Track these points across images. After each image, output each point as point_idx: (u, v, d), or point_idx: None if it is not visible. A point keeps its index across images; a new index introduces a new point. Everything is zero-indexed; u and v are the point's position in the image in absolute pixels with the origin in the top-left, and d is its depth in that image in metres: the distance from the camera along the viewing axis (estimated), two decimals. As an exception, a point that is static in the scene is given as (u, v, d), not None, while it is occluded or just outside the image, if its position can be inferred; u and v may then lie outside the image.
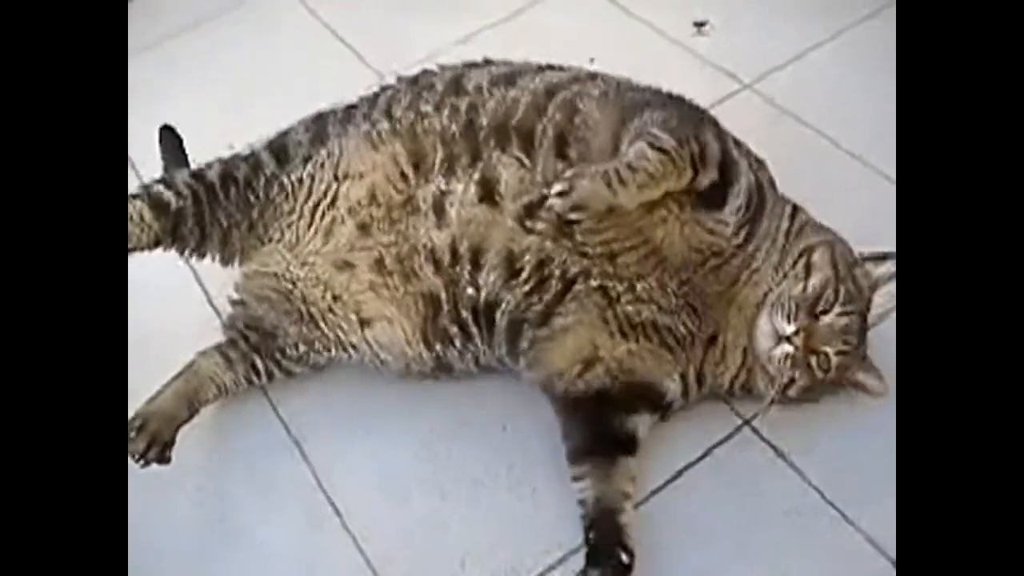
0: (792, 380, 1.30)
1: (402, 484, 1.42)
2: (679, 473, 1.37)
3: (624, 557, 1.24)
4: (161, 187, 1.46)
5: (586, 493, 1.31)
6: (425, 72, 1.53)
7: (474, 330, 1.39)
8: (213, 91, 2.04)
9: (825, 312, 1.29)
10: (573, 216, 1.26)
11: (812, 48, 1.96)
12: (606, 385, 1.35)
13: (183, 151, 1.71)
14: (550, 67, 1.48)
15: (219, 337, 1.54)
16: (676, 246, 1.30)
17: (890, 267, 1.34)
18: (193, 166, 1.57)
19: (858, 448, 1.36)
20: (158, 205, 1.44)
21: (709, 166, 1.29)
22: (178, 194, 1.45)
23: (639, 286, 1.32)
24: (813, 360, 1.29)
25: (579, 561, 1.29)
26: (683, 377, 1.36)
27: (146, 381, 1.44)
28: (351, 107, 1.54)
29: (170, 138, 1.73)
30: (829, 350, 1.29)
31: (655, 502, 1.36)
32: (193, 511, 1.42)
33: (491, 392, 1.48)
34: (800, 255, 1.32)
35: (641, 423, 1.35)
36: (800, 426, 1.38)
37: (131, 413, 1.38)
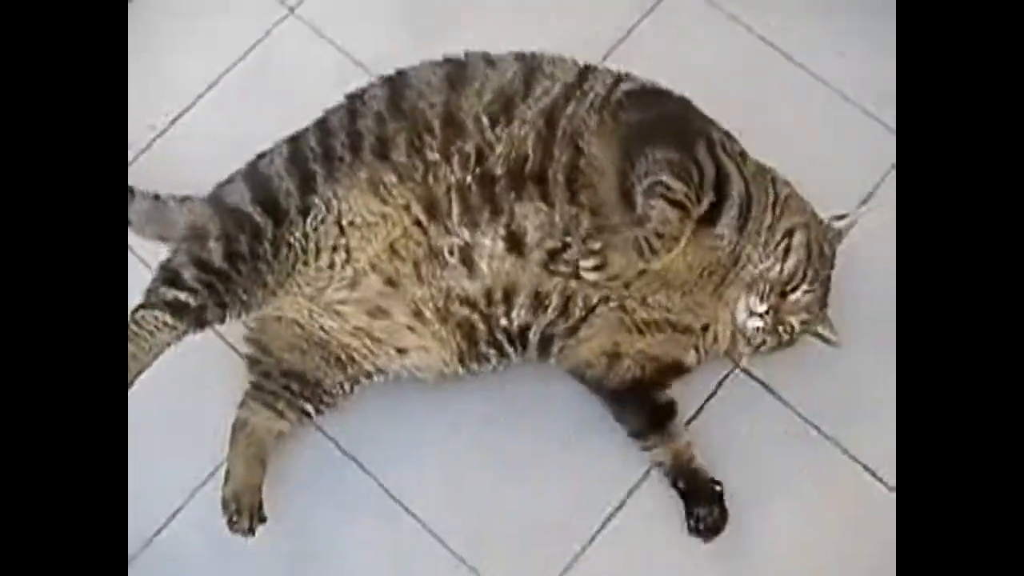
0: (763, 343, 1.55)
1: (464, 475, 1.60)
2: (693, 417, 1.61)
3: (717, 487, 1.52)
4: (173, 290, 1.43)
5: (660, 456, 1.55)
6: (399, 86, 1.49)
7: (509, 349, 1.54)
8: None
9: (793, 290, 1.50)
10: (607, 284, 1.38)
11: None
12: (638, 375, 1.55)
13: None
14: (536, 66, 1.48)
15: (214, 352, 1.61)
16: (680, 267, 1.45)
17: (850, 220, 1.54)
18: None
19: (848, 381, 1.62)
20: (179, 309, 1.43)
21: (708, 190, 1.41)
22: (192, 291, 1.43)
23: (651, 299, 1.48)
24: (780, 329, 1.53)
25: (639, 501, 1.56)
26: (696, 349, 1.56)
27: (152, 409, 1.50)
28: (323, 136, 1.50)
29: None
30: (794, 321, 1.53)
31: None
32: (275, 547, 1.54)
33: (526, 376, 1.62)
34: (783, 236, 1.48)
35: (672, 392, 1.57)
36: (788, 365, 1.61)
37: (221, 501, 1.49)
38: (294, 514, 1.58)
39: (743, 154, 1.50)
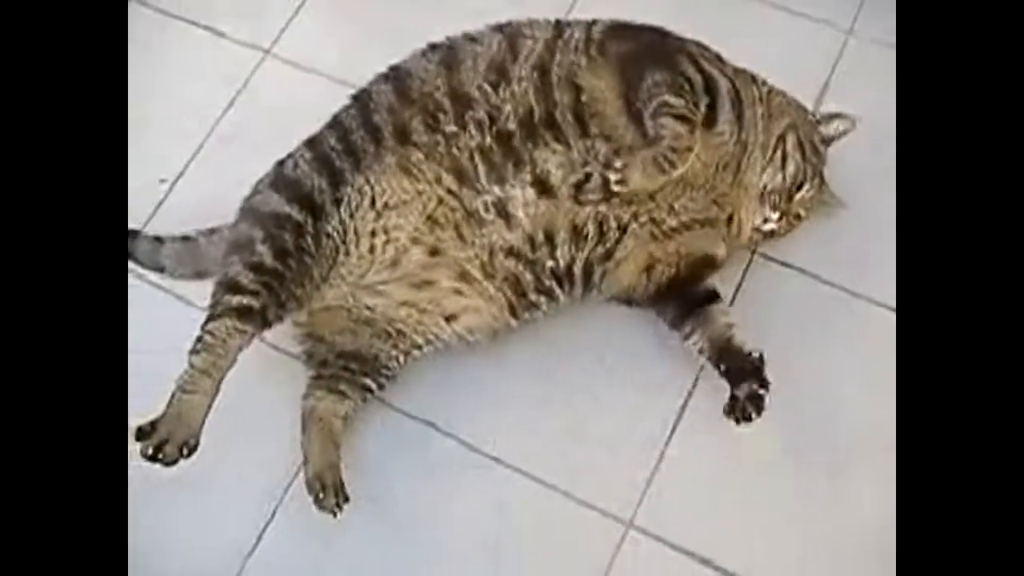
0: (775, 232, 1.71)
1: (529, 414, 1.69)
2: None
3: (758, 359, 1.57)
4: (237, 296, 1.53)
5: (700, 342, 1.63)
6: (401, 77, 1.62)
7: (557, 291, 1.65)
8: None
9: (798, 190, 1.66)
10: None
11: None
12: (673, 273, 1.66)
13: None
14: (515, 33, 1.62)
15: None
16: (695, 169, 1.58)
17: (840, 124, 1.70)
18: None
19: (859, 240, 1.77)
20: (245, 313, 1.52)
21: (701, 96, 1.56)
22: (254, 294, 1.53)
23: (676, 205, 1.61)
24: (790, 219, 1.69)
25: (697, 404, 1.66)
26: (724, 240, 1.69)
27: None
28: (342, 135, 1.61)
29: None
30: (801, 212, 1.70)
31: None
32: (377, 527, 1.61)
33: (564, 319, 1.72)
34: (777, 143, 1.64)
35: (712, 282, 1.68)
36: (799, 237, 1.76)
37: (302, 479, 1.57)
38: (387, 490, 1.65)
39: (720, 57, 1.67)
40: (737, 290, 1.76)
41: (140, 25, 2.09)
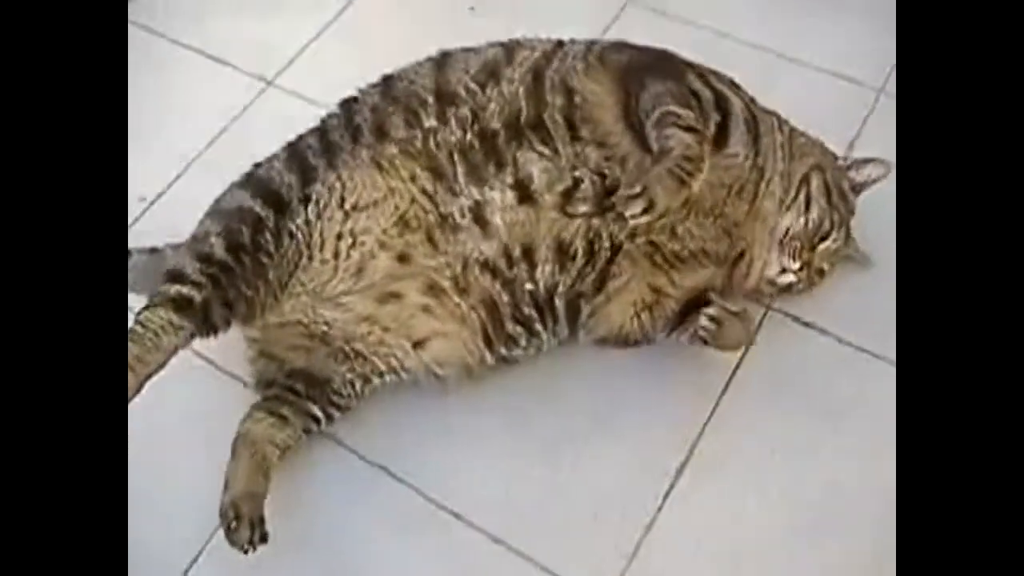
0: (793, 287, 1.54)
1: (502, 467, 1.47)
2: (735, 369, 1.53)
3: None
4: (176, 286, 1.37)
5: (690, 328, 1.44)
6: (392, 81, 1.51)
7: (538, 324, 1.46)
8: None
9: (822, 240, 1.50)
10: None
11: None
12: (675, 308, 1.48)
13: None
14: (516, 44, 1.51)
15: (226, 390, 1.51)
16: (703, 191, 1.41)
17: (872, 171, 1.55)
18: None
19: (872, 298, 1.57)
20: (183, 306, 1.35)
21: (710, 111, 1.41)
22: (196, 285, 1.37)
23: (679, 229, 1.43)
24: (811, 273, 1.52)
25: (695, 469, 1.43)
26: (724, 285, 1.51)
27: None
28: (322, 135, 1.50)
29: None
30: (825, 266, 1.53)
31: (725, 402, 1.51)
32: (318, 569, 1.39)
33: (543, 364, 1.54)
34: (800, 184, 1.49)
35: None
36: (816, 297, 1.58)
37: (220, 509, 1.35)
38: (329, 533, 1.42)
39: (735, 83, 1.53)
40: (748, 346, 1.53)
41: (149, 52, 2.06)
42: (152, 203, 1.83)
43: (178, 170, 1.87)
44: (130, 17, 2.07)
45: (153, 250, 1.59)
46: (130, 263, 1.58)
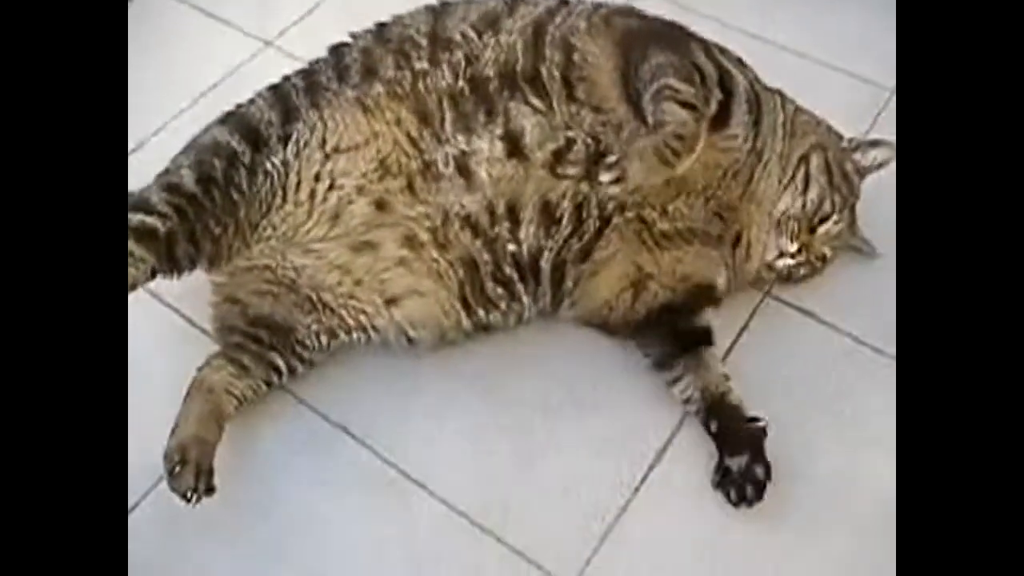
0: (795, 274, 1.45)
1: (469, 436, 1.38)
2: (727, 353, 1.44)
3: (759, 429, 1.29)
4: (140, 215, 1.30)
5: (689, 390, 1.35)
6: (386, 26, 1.45)
7: (519, 286, 1.38)
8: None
9: (822, 222, 1.42)
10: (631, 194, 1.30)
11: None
12: (669, 298, 1.40)
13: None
14: (518, 1, 1.45)
15: (181, 337, 1.44)
16: (697, 171, 1.34)
17: (879, 154, 1.46)
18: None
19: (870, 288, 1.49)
20: (146, 235, 1.29)
21: (713, 89, 1.34)
22: (162, 216, 1.30)
23: (671, 207, 1.36)
24: (812, 259, 1.44)
25: (677, 453, 1.34)
26: (727, 267, 1.43)
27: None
28: (308, 75, 1.43)
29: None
30: (826, 251, 1.45)
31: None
32: (267, 530, 1.30)
33: (527, 332, 1.46)
34: (799, 163, 1.41)
35: (709, 318, 1.41)
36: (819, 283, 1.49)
37: (164, 452, 1.26)
38: (284, 493, 1.33)
39: (742, 60, 1.46)
40: (741, 332, 1.46)
41: (150, 8, 2.01)
42: (133, 151, 1.76)
43: (164, 120, 1.80)
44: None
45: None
46: None
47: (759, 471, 1.27)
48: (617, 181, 1.30)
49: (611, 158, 1.30)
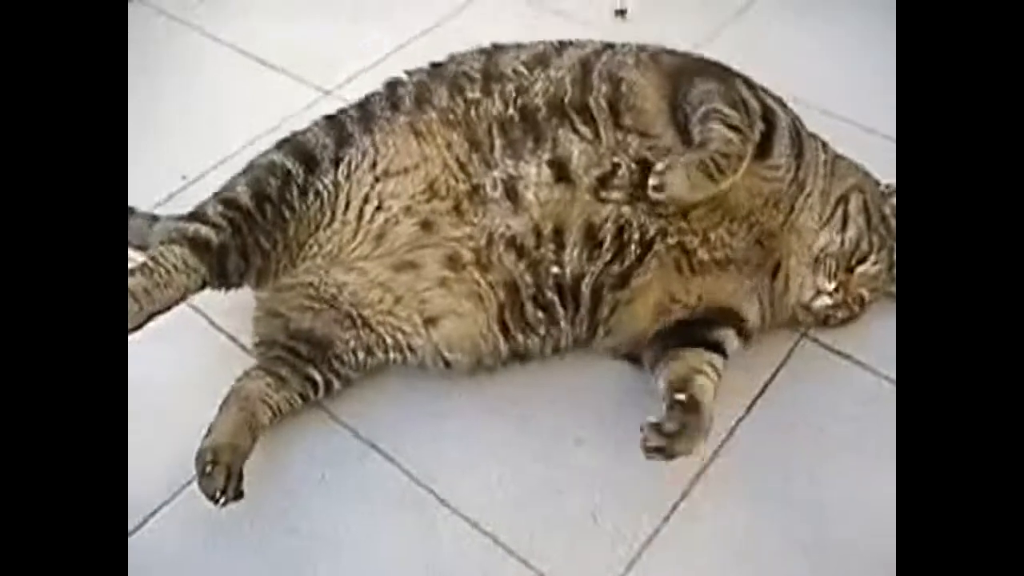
0: (833, 317, 1.45)
1: (497, 458, 1.38)
2: (762, 391, 1.43)
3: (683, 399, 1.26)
4: (196, 224, 1.36)
5: (663, 373, 1.34)
6: (440, 64, 1.52)
7: (559, 310, 1.39)
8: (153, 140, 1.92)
9: (860, 262, 1.43)
10: (671, 207, 1.33)
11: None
12: (686, 316, 1.40)
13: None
14: (567, 43, 1.51)
15: (231, 357, 1.46)
16: (740, 198, 1.37)
17: None
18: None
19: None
20: (200, 245, 1.34)
21: (756, 120, 1.38)
22: (216, 227, 1.35)
23: (713, 235, 1.38)
24: (850, 301, 1.44)
25: (706, 485, 1.32)
26: (760, 301, 1.42)
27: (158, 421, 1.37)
28: (363, 105, 1.50)
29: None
30: (864, 293, 1.45)
31: (745, 423, 1.40)
32: (292, 541, 1.30)
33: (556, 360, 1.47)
34: (837, 203, 1.43)
35: (726, 336, 1.39)
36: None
37: (197, 453, 1.28)
38: (311, 506, 1.33)
39: (783, 102, 1.49)
40: (778, 369, 1.45)
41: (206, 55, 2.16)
42: (192, 182, 1.84)
43: (222, 157, 1.88)
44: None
45: (154, 217, 1.59)
46: (155, 228, 1.55)
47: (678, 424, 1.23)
48: (658, 188, 1.30)
49: (659, 166, 1.31)
